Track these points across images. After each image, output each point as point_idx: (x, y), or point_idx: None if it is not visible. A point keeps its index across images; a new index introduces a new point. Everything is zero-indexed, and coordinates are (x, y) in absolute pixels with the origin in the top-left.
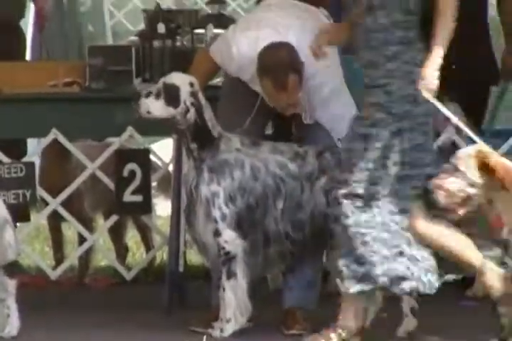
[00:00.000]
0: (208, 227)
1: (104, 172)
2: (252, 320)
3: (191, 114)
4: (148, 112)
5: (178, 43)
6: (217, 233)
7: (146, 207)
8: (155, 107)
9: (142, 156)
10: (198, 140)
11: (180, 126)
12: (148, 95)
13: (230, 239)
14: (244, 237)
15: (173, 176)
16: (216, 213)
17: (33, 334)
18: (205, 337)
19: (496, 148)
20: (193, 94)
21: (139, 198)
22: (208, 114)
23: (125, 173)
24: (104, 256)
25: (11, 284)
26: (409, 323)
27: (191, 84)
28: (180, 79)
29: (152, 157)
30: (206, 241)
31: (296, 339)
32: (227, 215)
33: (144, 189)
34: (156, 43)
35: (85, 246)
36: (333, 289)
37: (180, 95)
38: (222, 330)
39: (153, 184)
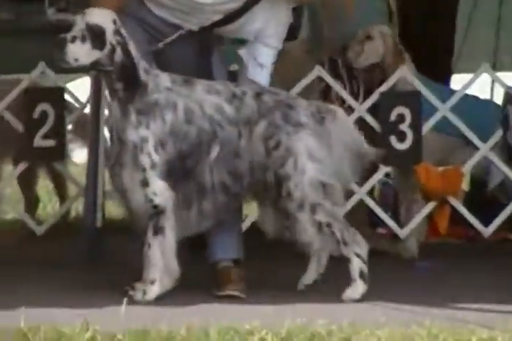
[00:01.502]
0: (135, 176)
1: (13, 113)
2: (179, 282)
3: (117, 54)
4: (76, 60)
5: None
6: (145, 183)
7: (60, 152)
8: (82, 53)
9: (56, 95)
10: (125, 80)
11: (106, 67)
12: (73, 40)
13: (160, 191)
14: (175, 189)
15: (91, 118)
16: (145, 160)
17: None
18: (125, 299)
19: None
20: (117, 32)
21: (51, 143)
22: (133, 50)
23: (36, 115)
24: (12, 208)
25: None
26: (357, 287)
27: (114, 21)
28: (103, 17)
29: (67, 97)
30: (132, 193)
31: (229, 301)
32: (157, 163)
33: (58, 133)
34: None
35: None
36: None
37: (106, 36)
38: (145, 292)
39: (69, 127)
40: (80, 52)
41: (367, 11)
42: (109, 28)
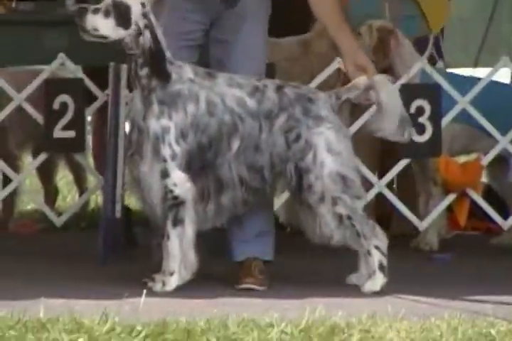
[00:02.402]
0: (155, 167)
1: (33, 104)
2: (199, 274)
3: (145, 38)
4: (96, 30)
5: None
6: (165, 174)
7: (80, 144)
8: (103, 25)
9: (75, 86)
10: (151, 66)
11: (130, 50)
12: (96, 12)
13: (180, 182)
14: (194, 180)
15: (110, 108)
16: (166, 151)
17: None
18: (144, 291)
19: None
20: (145, 15)
21: (71, 134)
22: (161, 38)
23: (56, 106)
24: (32, 199)
25: None
26: (377, 279)
27: (143, 4)
28: None
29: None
30: (151, 184)
31: (248, 294)
32: (178, 154)
33: (78, 124)
34: None
35: (10, 187)
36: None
37: (131, 15)
38: (164, 284)
39: (88, 118)
40: (100, 23)
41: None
42: (136, 9)
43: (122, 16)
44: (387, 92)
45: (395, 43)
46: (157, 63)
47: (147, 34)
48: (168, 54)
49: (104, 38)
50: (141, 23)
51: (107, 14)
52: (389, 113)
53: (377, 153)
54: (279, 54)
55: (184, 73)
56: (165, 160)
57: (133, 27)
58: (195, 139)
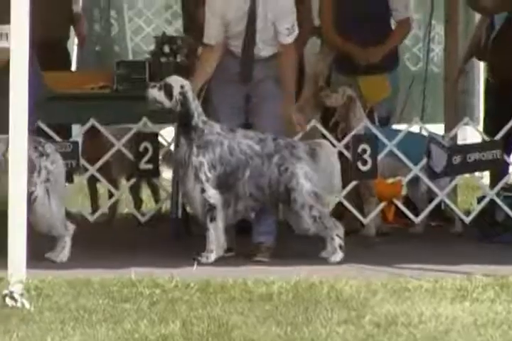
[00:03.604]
0: (196, 187)
1: (127, 148)
2: (230, 251)
3: (178, 107)
4: (154, 98)
5: (178, 59)
6: (203, 191)
7: (156, 172)
8: (158, 96)
9: (153, 137)
10: (181, 126)
11: (174, 115)
12: (153, 87)
13: (213, 195)
14: (222, 194)
15: (174, 151)
16: (202, 177)
17: (76, 259)
18: (196, 262)
19: None
20: (182, 93)
21: (150, 166)
22: (194, 107)
23: (141, 149)
24: (126, 206)
25: (71, 227)
26: (338, 254)
27: (182, 86)
28: (175, 81)
29: (160, 138)
30: (194, 197)
31: (258, 264)
32: (210, 178)
33: (154, 160)
34: (163, 59)
35: (113, 199)
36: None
37: (173, 91)
38: (207, 258)
39: (160, 157)
40: (156, 95)
41: None
42: (176, 88)
43: (168, 91)
44: (328, 154)
45: (354, 106)
46: (184, 124)
47: (179, 105)
48: (202, 117)
49: (161, 104)
50: (178, 97)
51: (160, 89)
52: (326, 171)
53: None
54: None
55: (214, 129)
56: (202, 182)
57: (174, 99)
58: (221, 169)
